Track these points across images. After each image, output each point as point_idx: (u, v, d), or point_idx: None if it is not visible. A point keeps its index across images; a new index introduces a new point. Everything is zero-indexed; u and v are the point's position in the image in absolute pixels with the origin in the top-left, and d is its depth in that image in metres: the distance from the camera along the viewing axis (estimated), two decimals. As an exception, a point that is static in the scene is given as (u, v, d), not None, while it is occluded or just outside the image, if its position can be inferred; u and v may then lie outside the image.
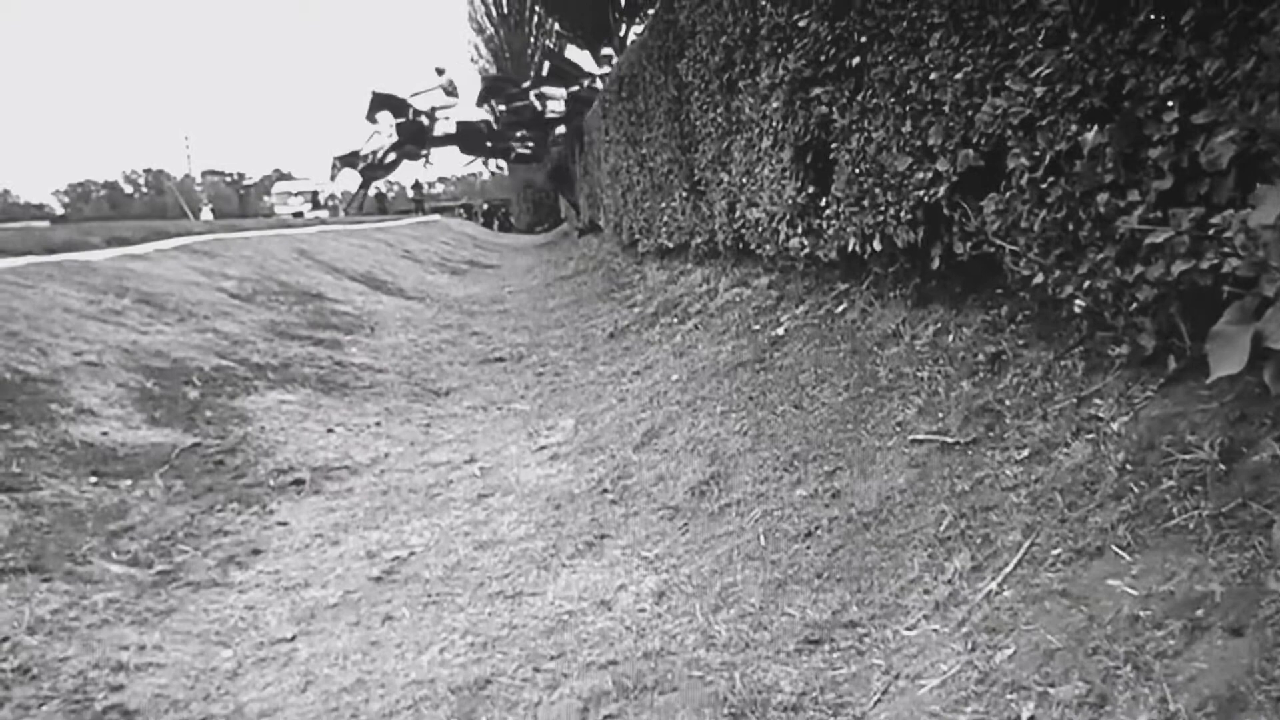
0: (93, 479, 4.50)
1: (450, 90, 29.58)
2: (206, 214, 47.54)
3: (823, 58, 4.82)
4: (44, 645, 2.99)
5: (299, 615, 3.43)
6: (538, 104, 28.58)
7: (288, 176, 31.32)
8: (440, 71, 29.69)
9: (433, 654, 3.03)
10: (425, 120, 29.44)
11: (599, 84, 28.16)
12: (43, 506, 4.08)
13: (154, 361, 6.48)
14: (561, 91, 28.39)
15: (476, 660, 2.94)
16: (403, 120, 29.25)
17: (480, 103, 29.38)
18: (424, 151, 30.42)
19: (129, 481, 4.58)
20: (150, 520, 4.20)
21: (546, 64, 29.21)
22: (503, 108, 29.50)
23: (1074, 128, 2.80)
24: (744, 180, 6.48)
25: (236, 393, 6.32)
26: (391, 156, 30.07)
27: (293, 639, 3.24)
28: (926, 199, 3.78)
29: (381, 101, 29.28)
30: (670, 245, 9.87)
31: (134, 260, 10.02)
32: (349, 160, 31.01)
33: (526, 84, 29.39)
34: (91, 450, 4.82)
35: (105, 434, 5.06)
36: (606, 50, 28.41)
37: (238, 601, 3.55)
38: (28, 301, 6.89)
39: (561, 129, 28.46)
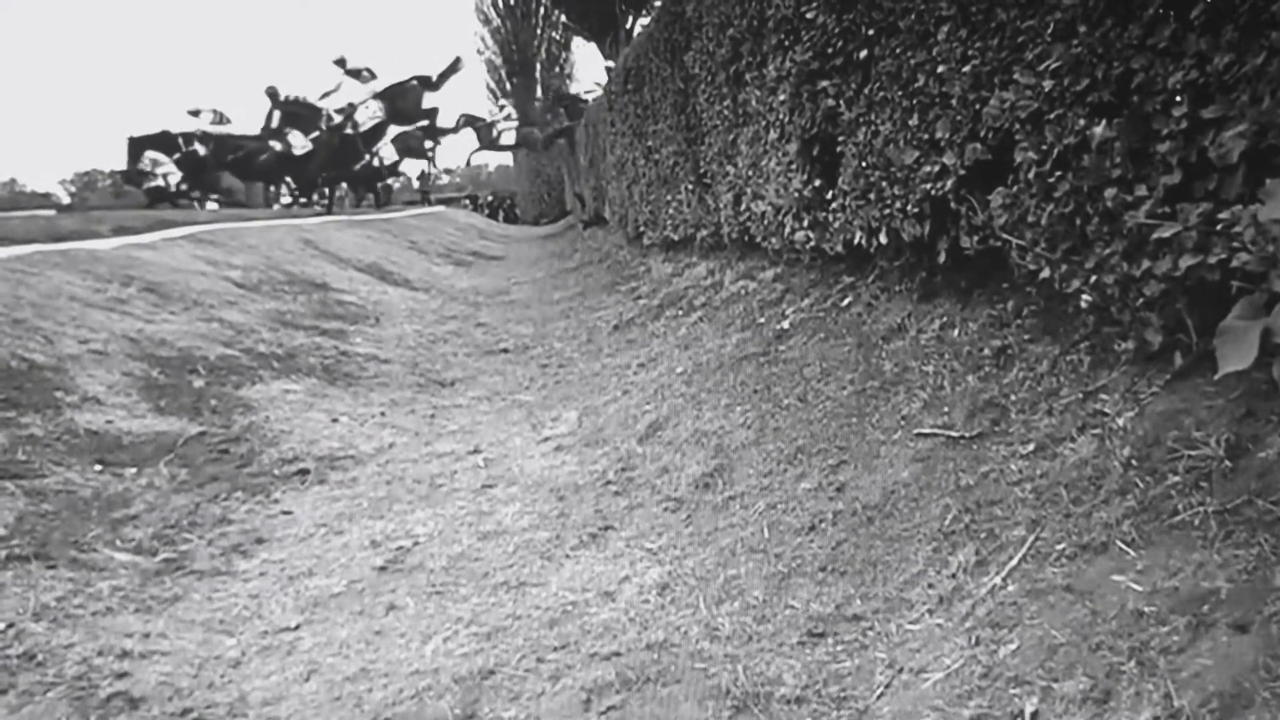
0: (98, 467, 4.52)
1: (221, 120, 29.05)
2: (212, 203, 47.48)
3: (830, 50, 4.80)
4: (49, 632, 3.00)
5: (303, 604, 3.44)
6: (279, 145, 28.17)
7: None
8: (195, 113, 29.08)
9: (436, 644, 3.04)
10: (200, 150, 28.84)
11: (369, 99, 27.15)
12: (48, 494, 4.09)
13: (159, 350, 6.49)
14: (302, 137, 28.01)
15: (480, 650, 2.94)
16: (178, 155, 28.61)
17: (209, 167, 28.80)
18: (201, 189, 29.62)
19: (134, 469, 4.59)
20: (155, 508, 4.21)
21: (277, 114, 28.52)
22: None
23: (1082, 122, 2.79)
24: (750, 173, 6.47)
25: (241, 382, 6.33)
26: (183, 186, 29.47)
27: (296, 628, 3.25)
28: (933, 192, 3.77)
29: (143, 144, 28.44)
30: (676, 238, 9.85)
31: (140, 249, 10.03)
32: (133, 177, 30.43)
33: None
34: (96, 438, 4.84)
35: (110, 422, 5.07)
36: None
37: (242, 590, 3.56)
38: (33, 289, 6.90)
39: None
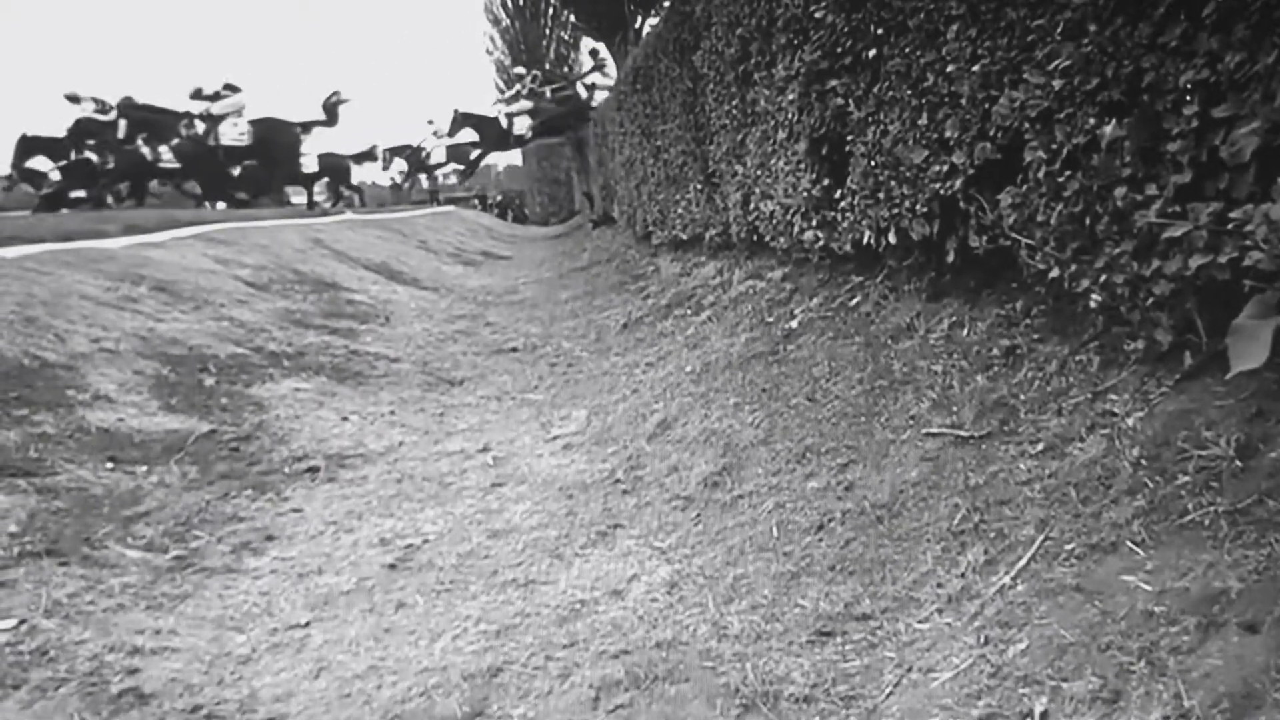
0: (109, 465, 4.54)
1: (103, 109, 29.41)
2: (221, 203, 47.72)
3: (839, 50, 4.80)
4: (61, 628, 3.02)
5: (313, 602, 3.45)
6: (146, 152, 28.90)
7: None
8: (75, 99, 29.46)
9: (445, 641, 3.05)
10: (94, 158, 29.12)
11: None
12: (59, 491, 4.12)
13: (170, 349, 6.52)
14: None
15: (489, 648, 2.95)
16: (65, 163, 28.80)
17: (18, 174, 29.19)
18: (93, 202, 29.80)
19: (145, 467, 4.61)
20: (166, 506, 4.23)
21: (123, 123, 29.08)
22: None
23: (1092, 121, 2.78)
24: (759, 172, 6.46)
25: (252, 380, 6.35)
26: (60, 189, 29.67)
27: (306, 625, 3.26)
28: (942, 192, 3.77)
29: (30, 146, 28.61)
30: (684, 237, 9.86)
31: (150, 248, 10.08)
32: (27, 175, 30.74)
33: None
34: (108, 436, 4.86)
35: (121, 420, 5.10)
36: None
37: (252, 588, 3.58)
38: (45, 288, 6.94)
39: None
